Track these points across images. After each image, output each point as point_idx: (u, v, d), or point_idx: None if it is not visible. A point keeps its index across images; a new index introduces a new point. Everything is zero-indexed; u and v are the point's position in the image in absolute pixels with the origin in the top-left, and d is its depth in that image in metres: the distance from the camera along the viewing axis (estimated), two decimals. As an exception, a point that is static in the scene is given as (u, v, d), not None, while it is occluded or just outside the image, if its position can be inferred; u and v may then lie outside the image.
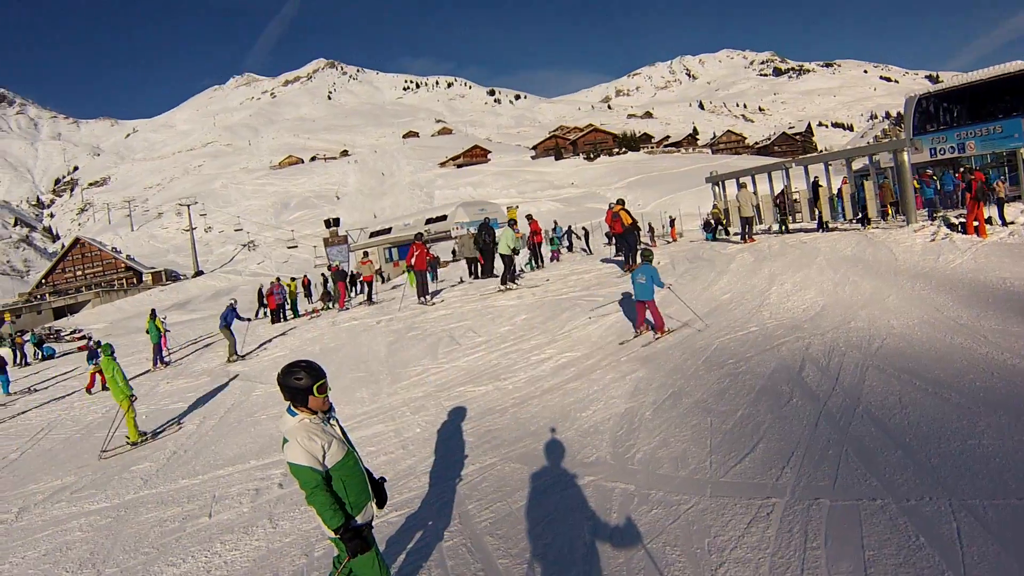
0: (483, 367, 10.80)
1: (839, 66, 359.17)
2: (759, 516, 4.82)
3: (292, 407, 3.67)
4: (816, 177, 20.78)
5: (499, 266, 19.38)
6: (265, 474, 7.90)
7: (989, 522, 4.23)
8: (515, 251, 18.39)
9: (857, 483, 5.02)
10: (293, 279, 29.91)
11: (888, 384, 6.83)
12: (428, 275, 19.77)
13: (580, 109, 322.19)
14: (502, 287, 17.84)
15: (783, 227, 21.04)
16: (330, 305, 25.34)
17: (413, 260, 18.95)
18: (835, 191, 20.44)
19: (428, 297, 18.78)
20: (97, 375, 15.89)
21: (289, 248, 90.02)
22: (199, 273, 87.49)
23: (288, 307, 25.83)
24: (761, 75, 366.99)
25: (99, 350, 14.39)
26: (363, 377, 11.81)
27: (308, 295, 34.26)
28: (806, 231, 19.82)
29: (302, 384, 3.63)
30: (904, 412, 6.10)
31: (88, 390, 16.07)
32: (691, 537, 4.71)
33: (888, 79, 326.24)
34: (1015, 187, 22.57)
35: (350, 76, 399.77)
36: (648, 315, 10.67)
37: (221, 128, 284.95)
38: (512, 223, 20.77)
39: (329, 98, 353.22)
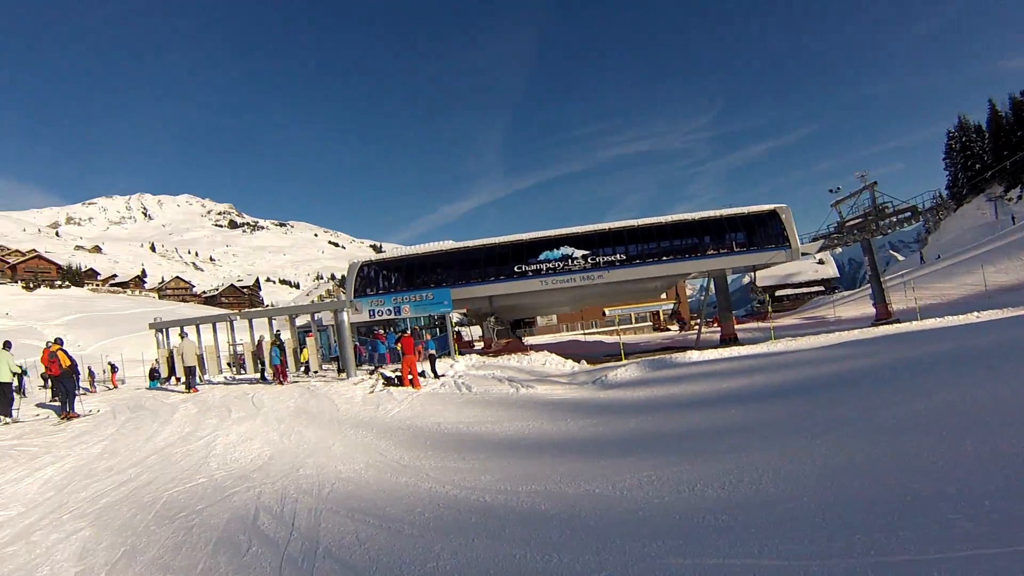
0: None
1: (292, 227, 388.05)
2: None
3: None
4: (277, 332, 22.09)
5: None
6: None
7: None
8: None
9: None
10: None
11: (344, 525, 7.16)
12: None
13: (25, 230, 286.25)
14: None
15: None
16: None
17: None
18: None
19: None
20: None
21: None
22: None
23: None
24: (217, 225, 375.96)
25: None
26: None
27: None
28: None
29: None
30: (364, 548, 6.42)
31: None
32: None
33: (336, 244, 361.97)
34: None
35: None
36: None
37: None
38: None
39: None
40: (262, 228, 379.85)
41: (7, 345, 16.92)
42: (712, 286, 37.79)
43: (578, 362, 24.63)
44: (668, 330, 52.34)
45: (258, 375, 22.99)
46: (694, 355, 19.77)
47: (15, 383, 17.19)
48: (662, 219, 34.69)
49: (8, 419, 15.97)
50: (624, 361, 23.14)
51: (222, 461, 10.69)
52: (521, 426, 11.76)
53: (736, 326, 36.87)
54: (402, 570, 5.80)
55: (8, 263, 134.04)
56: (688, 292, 59.81)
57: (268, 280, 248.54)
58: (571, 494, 7.34)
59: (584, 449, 9.46)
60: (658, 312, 55.98)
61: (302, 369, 23.23)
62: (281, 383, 19.69)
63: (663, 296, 51.23)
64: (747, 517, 5.76)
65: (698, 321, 43.86)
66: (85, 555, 7.13)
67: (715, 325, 41.21)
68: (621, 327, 47.47)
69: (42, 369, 16.64)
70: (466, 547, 6.12)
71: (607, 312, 53.66)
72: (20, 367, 17.14)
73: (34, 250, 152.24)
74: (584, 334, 51.73)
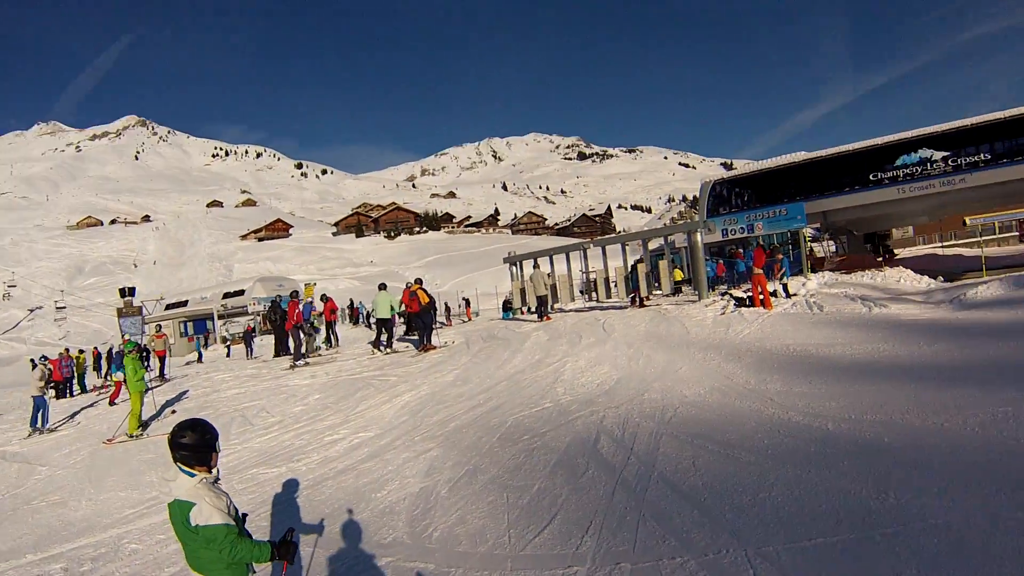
0: (276, 448, 10.72)
1: (641, 152, 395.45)
2: (562, 586, 4.94)
3: (188, 468, 3.73)
4: (639, 258, 22.85)
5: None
6: (44, 570, 7.21)
7: (784, 565, 4.66)
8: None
9: (656, 544, 5.31)
10: (82, 351, 27.69)
11: (682, 449, 7.35)
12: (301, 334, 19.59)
13: (385, 187, 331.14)
14: (293, 365, 18.38)
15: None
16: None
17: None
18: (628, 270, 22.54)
19: (304, 360, 18.91)
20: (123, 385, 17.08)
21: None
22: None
23: (76, 381, 24.75)
24: (566, 159, 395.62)
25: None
26: (152, 459, 11.16)
27: (98, 368, 32.07)
28: (605, 308, 21.06)
29: (210, 440, 3.79)
30: (698, 474, 6.58)
31: (112, 401, 17.52)
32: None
33: (687, 165, 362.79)
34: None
35: (160, 137, 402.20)
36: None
37: (18, 179, 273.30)
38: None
39: (136, 158, 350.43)
40: (611, 156, 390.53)
41: (383, 286, 19.53)
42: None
43: (935, 278, 22.35)
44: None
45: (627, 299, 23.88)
46: (1068, 270, 16.80)
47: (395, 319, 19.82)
48: (1027, 106, 29.52)
49: (389, 350, 18.48)
50: (985, 277, 20.52)
51: (569, 386, 11.38)
52: (871, 349, 11.02)
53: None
54: (733, 499, 5.87)
55: (371, 217, 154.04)
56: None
57: (620, 207, 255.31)
58: (917, 426, 6.84)
59: (936, 376, 8.63)
60: (1026, 220, 48.78)
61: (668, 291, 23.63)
62: (640, 306, 20.39)
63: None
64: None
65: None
66: (431, 472, 8.18)
67: None
68: (983, 238, 41.94)
69: (402, 308, 19.10)
70: (801, 478, 6.02)
71: (968, 221, 48.00)
72: (401, 305, 19.58)
73: (393, 203, 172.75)
74: (942, 247, 47.36)
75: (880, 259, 36.66)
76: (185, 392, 17.48)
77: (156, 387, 18.28)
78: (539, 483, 7.10)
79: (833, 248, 36.85)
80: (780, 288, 18.56)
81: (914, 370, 9.26)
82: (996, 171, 29.65)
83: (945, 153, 30.68)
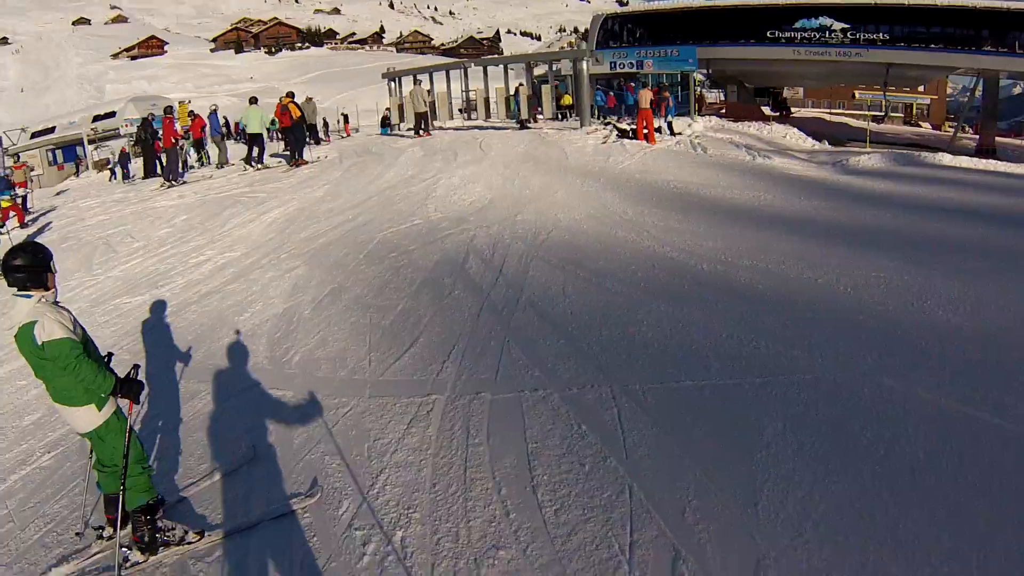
0: (140, 275, 9.96)
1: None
2: (419, 415, 4.73)
3: (25, 291, 3.57)
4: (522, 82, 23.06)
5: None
6: None
7: (648, 406, 4.47)
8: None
9: (519, 374, 5.09)
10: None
11: (552, 275, 7.16)
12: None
13: (267, 2, 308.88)
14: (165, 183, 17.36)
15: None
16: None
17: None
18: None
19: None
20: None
21: None
22: None
23: None
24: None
25: None
26: (7, 300, 10.00)
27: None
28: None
29: (43, 259, 3.63)
30: (567, 302, 6.39)
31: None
32: (351, 443, 4.49)
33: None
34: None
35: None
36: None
37: None
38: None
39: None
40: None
41: (254, 100, 18.36)
42: (979, 88, 33.62)
43: (820, 141, 22.86)
44: (919, 126, 47.92)
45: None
46: (945, 158, 17.39)
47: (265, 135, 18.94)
48: (937, 0, 30.11)
49: (260, 166, 17.54)
50: (868, 149, 21.09)
51: (441, 204, 11.03)
52: (752, 196, 11.03)
53: (996, 139, 32.87)
54: (601, 331, 5.69)
55: (251, 32, 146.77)
56: (949, 91, 53.26)
57: (508, 32, 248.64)
58: (792, 279, 6.80)
59: (814, 233, 8.65)
60: (912, 105, 51.43)
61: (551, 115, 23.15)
62: (521, 128, 20.09)
63: (920, 89, 46.71)
64: (974, 351, 4.94)
65: (955, 123, 39.72)
66: (295, 292, 7.75)
67: (972, 132, 37.27)
68: (870, 113, 43.79)
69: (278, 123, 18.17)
70: (672, 316, 5.88)
71: (857, 95, 49.88)
72: (272, 120, 18.50)
73: (275, 18, 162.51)
74: (830, 113, 49.18)
75: (777, 114, 37.64)
76: (48, 224, 16.20)
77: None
78: (403, 303, 6.84)
79: (723, 97, 37.29)
80: (665, 126, 18.43)
81: (793, 223, 9.29)
82: (891, 52, 30.25)
83: (845, 25, 30.83)
